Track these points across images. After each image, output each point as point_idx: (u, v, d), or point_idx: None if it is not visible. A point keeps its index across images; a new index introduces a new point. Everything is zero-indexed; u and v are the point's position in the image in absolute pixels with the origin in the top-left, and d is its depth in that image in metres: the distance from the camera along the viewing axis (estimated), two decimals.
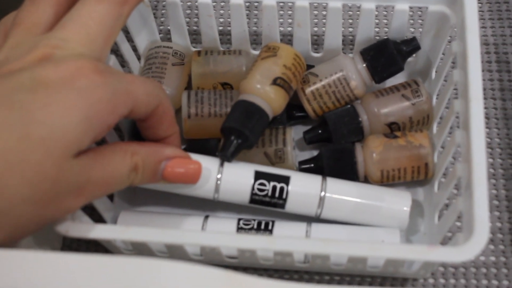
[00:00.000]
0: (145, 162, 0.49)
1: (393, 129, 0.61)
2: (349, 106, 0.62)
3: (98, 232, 0.50)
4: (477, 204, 0.48)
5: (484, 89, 0.66)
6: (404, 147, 0.59)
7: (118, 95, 0.45)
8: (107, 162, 0.46)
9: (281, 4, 0.61)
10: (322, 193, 0.57)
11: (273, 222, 0.58)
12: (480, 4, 0.71)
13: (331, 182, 0.58)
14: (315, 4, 0.61)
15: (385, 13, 0.70)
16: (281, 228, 0.57)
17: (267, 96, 0.58)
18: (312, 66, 0.64)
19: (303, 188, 0.57)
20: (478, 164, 0.50)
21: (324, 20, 0.70)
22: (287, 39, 0.66)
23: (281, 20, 0.69)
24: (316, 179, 0.58)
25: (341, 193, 0.57)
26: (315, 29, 0.70)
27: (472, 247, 0.47)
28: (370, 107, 0.61)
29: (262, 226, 0.57)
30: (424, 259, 0.49)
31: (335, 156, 0.60)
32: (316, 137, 0.62)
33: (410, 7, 0.60)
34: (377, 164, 0.59)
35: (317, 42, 0.67)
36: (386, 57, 0.61)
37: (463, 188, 0.51)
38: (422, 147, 0.59)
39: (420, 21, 0.70)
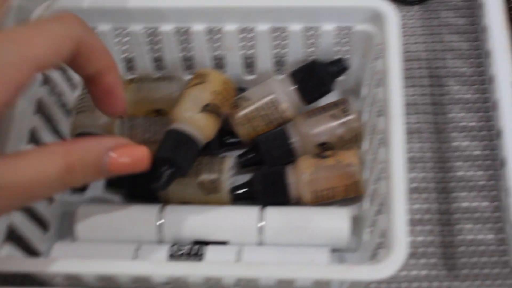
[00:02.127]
0: (83, 159, 0.45)
1: (324, 148, 0.62)
2: (280, 128, 0.63)
3: (25, 265, 0.50)
4: (395, 220, 0.49)
5: (416, 104, 0.67)
6: (333, 167, 0.60)
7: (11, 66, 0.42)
8: (27, 165, 0.42)
9: (210, 29, 0.61)
10: (261, 223, 0.58)
11: (205, 247, 0.58)
12: (413, 20, 0.72)
13: (269, 211, 0.59)
14: (243, 28, 0.61)
15: (311, 33, 0.71)
16: (214, 252, 0.58)
17: (197, 123, 0.58)
18: (246, 89, 0.65)
19: (241, 221, 0.59)
20: (397, 181, 0.51)
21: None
22: (221, 62, 0.67)
23: (216, 44, 0.70)
24: (253, 211, 0.59)
25: (279, 221, 0.58)
26: (248, 51, 0.70)
27: (391, 264, 0.48)
28: (301, 128, 0.62)
29: (194, 252, 0.57)
30: (343, 278, 0.49)
31: (267, 180, 0.61)
32: (249, 161, 0.63)
33: (336, 28, 0.61)
34: (308, 185, 0.60)
35: (250, 64, 0.68)
36: (315, 79, 0.62)
37: (384, 205, 0.52)
38: (351, 165, 0.59)
39: (348, 40, 0.71)
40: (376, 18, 0.59)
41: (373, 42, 0.60)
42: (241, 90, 0.65)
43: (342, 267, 0.48)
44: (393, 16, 0.57)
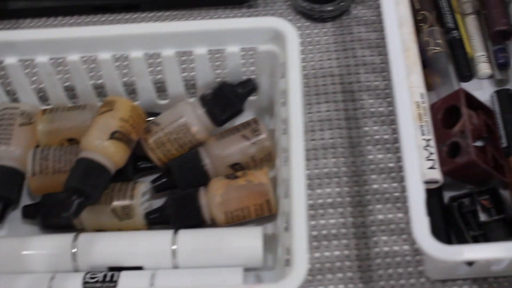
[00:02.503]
0: None
1: (236, 169, 0.62)
2: (192, 151, 0.63)
3: None
4: (296, 238, 0.49)
5: (330, 120, 0.68)
6: (244, 187, 0.60)
7: None
8: None
9: (117, 56, 0.62)
10: (174, 247, 0.58)
11: (120, 273, 0.58)
12: (326, 37, 0.73)
13: (182, 234, 0.59)
14: (150, 53, 0.62)
15: (218, 56, 0.71)
16: (128, 278, 0.58)
17: (106, 151, 0.59)
18: (160, 114, 0.65)
19: (155, 246, 0.59)
20: (297, 199, 0.51)
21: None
22: (132, 88, 0.67)
23: (124, 71, 0.71)
24: (166, 235, 0.59)
25: (192, 243, 0.59)
26: (157, 76, 0.71)
27: (291, 281, 0.48)
28: (212, 151, 0.62)
29: (108, 278, 0.57)
30: None
31: (180, 203, 0.61)
32: (163, 185, 0.63)
33: (241, 49, 0.62)
34: (220, 206, 0.60)
35: (161, 89, 0.69)
36: (223, 100, 0.62)
37: (288, 222, 0.52)
38: (261, 184, 0.60)
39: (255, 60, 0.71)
40: (278, 38, 0.59)
41: (278, 62, 0.61)
42: (155, 114, 0.65)
43: (245, 287, 0.49)
44: (293, 36, 0.58)
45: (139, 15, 0.76)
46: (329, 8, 0.73)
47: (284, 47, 0.58)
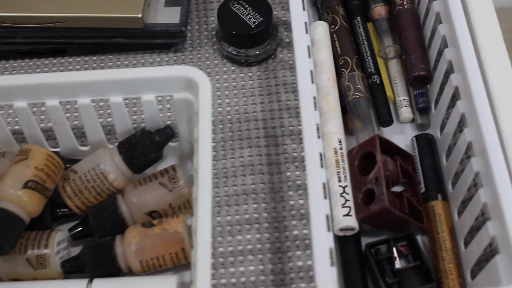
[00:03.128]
0: None
1: (154, 217, 0.62)
2: (109, 199, 0.63)
3: None
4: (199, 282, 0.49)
5: (253, 165, 0.68)
6: (159, 235, 0.60)
7: None
8: None
9: (33, 104, 0.61)
10: None
11: None
12: (251, 81, 0.73)
13: (96, 282, 0.58)
14: (65, 101, 0.62)
15: (135, 103, 0.71)
16: None
17: (19, 200, 0.58)
18: (80, 160, 0.65)
19: None
20: (201, 251, 0.51)
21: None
22: (52, 135, 0.67)
23: (42, 117, 0.70)
24: (81, 284, 0.58)
25: None
26: (74, 123, 0.71)
27: None
28: (129, 198, 0.62)
29: None
30: None
31: (95, 252, 0.60)
32: (80, 233, 0.63)
33: (158, 97, 0.62)
34: (135, 255, 0.60)
35: (81, 136, 0.68)
36: (140, 148, 0.62)
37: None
38: (177, 233, 0.60)
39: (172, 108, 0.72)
40: (192, 86, 0.60)
41: (194, 109, 0.61)
42: (76, 161, 0.65)
43: None
44: (205, 85, 0.59)
45: (66, 60, 0.76)
46: (255, 53, 0.73)
47: (197, 96, 0.58)
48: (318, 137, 0.58)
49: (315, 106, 0.60)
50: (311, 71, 0.62)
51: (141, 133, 0.63)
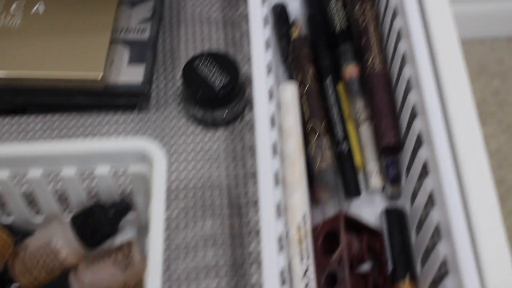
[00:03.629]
0: None
1: None
2: (61, 276, 0.60)
3: None
4: None
5: (215, 237, 0.65)
6: None
7: None
8: None
9: None
10: None
11: None
12: (217, 144, 0.71)
13: None
14: (16, 172, 0.59)
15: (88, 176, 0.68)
16: None
17: None
18: (33, 231, 0.62)
19: None
20: None
21: None
22: (4, 206, 0.64)
23: None
24: None
25: None
26: (27, 192, 0.68)
27: None
28: (81, 277, 0.59)
29: None
30: None
31: None
32: None
33: (112, 170, 0.59)
34: None
35: (34, 206, 0.66)
36: (94, 224, 0.59)
37: None
38: None
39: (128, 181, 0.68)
40: (147, 159, 0.57)
41: (149, 182, 0.58)
42: (29, 232, 0.62)
43: None
44: (159, 160, 0.56)
45: (26, 119, 0.73)
46: (221, 114, 0.70)
47: (152, 168, 0.55)
48: (279, 214, 0.56)
49: (276, 183, 0.57)
50: (274, 142, 0.59)
51: (95, 208, 0.60)
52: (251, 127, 0.71)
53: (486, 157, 0.56)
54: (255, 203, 0.67)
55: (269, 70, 0.63)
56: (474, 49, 1.63)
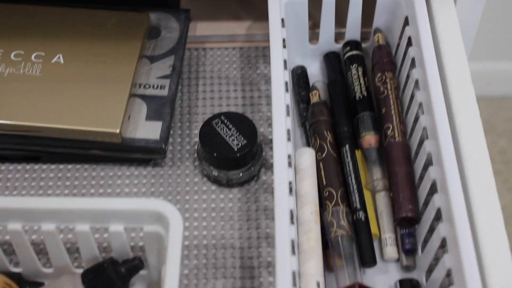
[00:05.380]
0: None
1: None
2: None
3: None
4: None
5: None
6: None
7: None
8: None
9: None
10: None
11: None
12: (231, 204, 0.70)
13: None
14: (28, 226, 0.58)
15: (102, 233, 0.68)
16: None
17: None
18: (42, 284, 0.61)
19: None
20: None
21: None
22: (15, 258, 0.63)
23: (7, 237, 0.67)
24: None
25: None
26: (41, 246, 0.67)
27: None
28: None
29: None
30: None
31: None
32: None
33: (127, 228, 0.58)
34: None
35: (43, 257, 0.65)
36: (105, 279, 0.59)
37: None
38: None
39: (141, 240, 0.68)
40: (162, 220, 0.56)
41: (163, 242, 0.57)
42: (39, 284, 0.62)
43: None
44: (176, 221, 0.55)
45: (40, 167, 0.73)
46: (237, 175, 0.70)
47: (167, 230, 0.55)
48: (294, 284, 0.55)
49: (293, 249, 0.56)
50: (291, 210, 0.58)
51: (107, 264, 0.59)
52: (266, 188, 0.71)
53: (505, 235, 0.56)
54: (268, 265, 0.66)
55: (289, 136, 0.63)
56: (482, 106, 1.64)
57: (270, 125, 0.75)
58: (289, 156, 0.62)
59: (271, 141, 0.74)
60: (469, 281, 0.53)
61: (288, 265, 0.55)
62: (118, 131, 0.68)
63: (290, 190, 0.60)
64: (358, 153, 0.70)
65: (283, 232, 0.56)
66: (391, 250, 0.65)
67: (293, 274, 0.55)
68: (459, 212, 0.56)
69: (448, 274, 0.57)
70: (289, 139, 0.63)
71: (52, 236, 0.59)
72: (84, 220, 0.58)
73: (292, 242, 0.57)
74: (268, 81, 0.78)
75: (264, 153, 0.72)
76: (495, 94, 1.69)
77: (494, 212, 0.57)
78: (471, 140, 0.61)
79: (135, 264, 0.60)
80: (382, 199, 0.68)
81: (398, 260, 0.66)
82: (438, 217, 0.60)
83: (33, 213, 0.57)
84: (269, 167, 0.72)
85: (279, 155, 0.61)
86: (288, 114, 0.64)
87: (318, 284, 0.59)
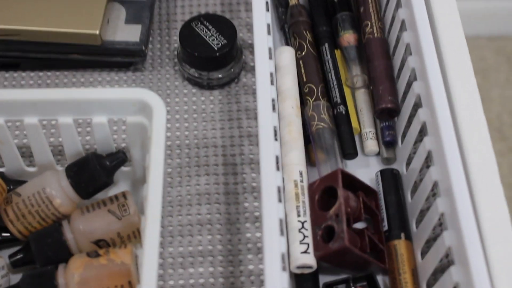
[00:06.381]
0: None
1: (101, 246, 0.59)
2: (54, 224, 0.59)
3: None
4: None
5: (209, 194, 0.65)
6: (105, 266, 0.56)
7: None
8: None
9: None
10: None
11: None
12: (212, 105, 0.70)
13: None
14: (10, 120, 0.58)
15: (85, 125, 0.68)
16: None
17: None
18: (25, 182, 0.61)
19: None
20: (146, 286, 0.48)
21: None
22: None
23: None
24: None
25: None
26: (21, 142, 0.67)
27: None
28: (75, 225, 0.59)
29: None
30: None
31: (35, 282, 0.57)
32: (20, 260, 0.59)
33: (110, 120, 0.58)
34: (78, 286, 0.56)
35: (28, 156, 0.65)
36: (89, 172, 0.59)
37: None
38: (124, 264, 0.56)
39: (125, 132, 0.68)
40: (146, 110, 0.56)
41: (147, 134, 0.58)
42: (22, 182, 0.62)
43: None
44: (160, 109, 0.56)
45: (19, 74, 0.72)
46: (217, 76, 0.70)
47: (151, 121, 0.55)
48: (278, 168, 0.56)
49: (276, 136, 0.57)
50: (273, 99, 0.59)
51: (91, 157, 0.59)
52: (247, 89, 0.71)
53: (484, 118, 0.57)
54: (250, 161, 0.66)
55: (268, 32, 0.63)
56: None
57: (249, 30, 0.75)
58: (269, 49, 0.62)
59: (250, 45, 0.74)
60: (450, 160, 0.54)
61: (272, 153, 0.55)
62: (97, 32, 0.68)
63: (271, 83, 0.60)
64: (337, 53, 0.71)
65: (266, 120, 0.57)
66: (371, 144, 0.66)
67: (277, 158, 0.56)
68: (438, 97, 0.57)
69: (427, 159, 0.58)
70: (269, 32, 0.63)
71: (35, 130, 0.59)
72: (67, 112, 0.58)
73: (275, 132, 0.57)
74: None
75: (244, 57, 0.72)
76: (468, 34, 1.69)
77: (472, 94, 0.58)
78: (449, 25, 0.61)
79: (119, 157, 0.60)
80: (362, 95, 0.68)
81: (378, 153, 0.67)
82: (416, 106, 0.61)
83: (15, 106, 0.57)
84: (249, 69, 0.73)
85: (260, 48, 0.61)
86: (267, 10, 0.64)
87: (301, 173, 0.60)
